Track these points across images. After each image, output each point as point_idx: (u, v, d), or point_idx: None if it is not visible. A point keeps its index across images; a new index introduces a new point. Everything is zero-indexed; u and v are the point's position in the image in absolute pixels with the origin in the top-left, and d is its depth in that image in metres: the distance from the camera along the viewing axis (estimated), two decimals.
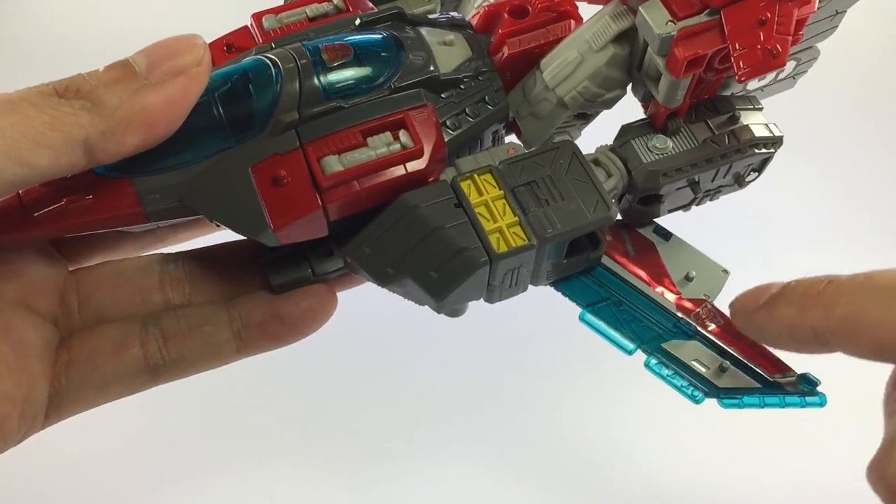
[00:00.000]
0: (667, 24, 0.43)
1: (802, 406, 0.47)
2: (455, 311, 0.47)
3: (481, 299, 0.47)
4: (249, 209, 0.44)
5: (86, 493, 0.77)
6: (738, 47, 0.41)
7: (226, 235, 0.50)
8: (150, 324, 0.47)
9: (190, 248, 0.51)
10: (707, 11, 0.43)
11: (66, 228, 0.44)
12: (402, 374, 0.85)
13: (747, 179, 0.51)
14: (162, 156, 0.43)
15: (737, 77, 0.41)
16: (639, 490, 0.77)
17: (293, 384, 0.84)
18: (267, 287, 0.48)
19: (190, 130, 0.43)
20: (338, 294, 0.49)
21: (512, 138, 0.51)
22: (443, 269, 0.43)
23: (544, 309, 0.50)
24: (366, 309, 0.50)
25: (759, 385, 0.47)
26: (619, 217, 0.49)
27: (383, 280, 0.45)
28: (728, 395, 0.47)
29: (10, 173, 0.37)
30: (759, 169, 0.51)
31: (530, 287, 0.48)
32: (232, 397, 0.82)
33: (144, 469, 0.79)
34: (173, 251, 0.50)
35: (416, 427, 0.82)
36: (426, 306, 0.46)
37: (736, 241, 0.65)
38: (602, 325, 0.48)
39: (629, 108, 0.50)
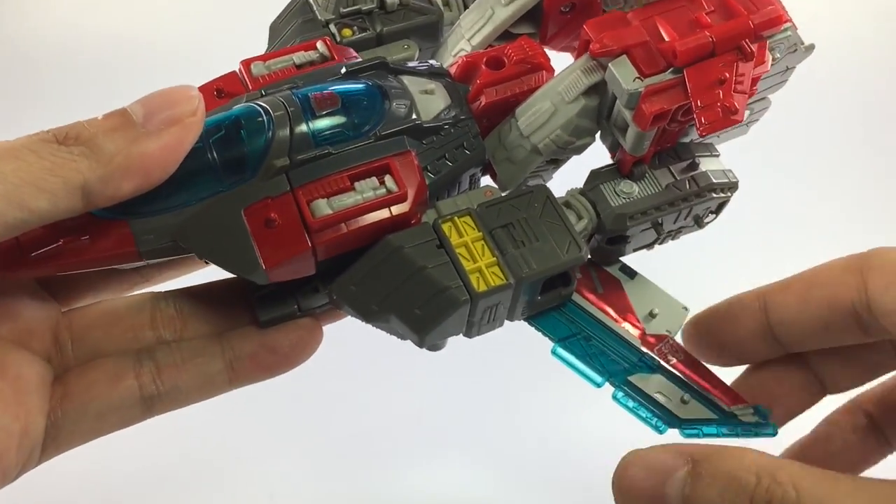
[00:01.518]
0: (634, 80, 0.46)
1: (755, 436, 0.50)
2: (435, 346, 0.50)
3: (460, 334, 0.50)
4: (242, 250, 0.46)
5: (85, 491, 0.78)
6: (699, 104, 0.45)
7: (211, 273, 0.52)
8: (145, 357, 0.49)
9: (179, 287, 0.52)
10: (671, 70, 0.46)
11: (61, 267, 0.46)
12: (402, 375, 0.86)
13: (706, 220, 0.54)
14: (157, 198, 0.45)
15: (698, 132, 0.45)
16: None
17: (293, 386, 0.83)
18: (255, 323, 0.51)
19: (185, 174, 0.45)
20: None
21: (487, 180, 0.54)
22: (426, 306, 0.46)
23: None
24: None
25: (716, 416, 0.50)
26: (588, 256, 0.52)
27: (368, 316, 0.47)
28: (689, 426, 0.50)
29: (11, 217, 0.39)
30: (717, 211, 0.54)
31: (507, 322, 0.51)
32: (232, 398, 0.81)
33: (144, 469, 0.80)
34: (163, 289, 0.52)
35: (417, 428, 0.84)
36: (408, 340, 0.48)
37: (693, 274, 0.68)
38: (572, 358, 0.51)
39: (595, 153, 0.54)
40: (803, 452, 0.56)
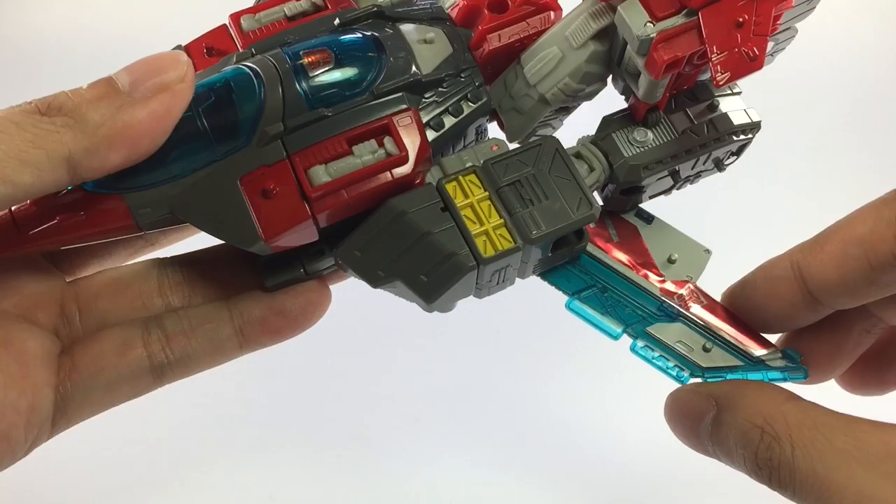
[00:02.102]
0: (646, 25, 0.43)
1: (784, 380, 0.49)
2: (444, 308, 0.49)
3: (470, 296, 0.48)
4: (240, 222, 0.45)
5: (85, 493, 0.78)
6: (715, 51, 0.42)
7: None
8: (153, 325, 0.48)
9: (185, 252, 0.51)
10: (685, 12, 0.43)
11: (61, 243, 0.45)
12: (400, 375, 0.86)
13: (726, 163, 0.52)
14: (150, 170, 0.44)
15: (714, 82, 0.42)
16: (629, 475, 0.80)
17: (292, 385, 0.84)
18: (263, 286, 0.50)
19: (176, 145, 0.44)
20: (335, 295, 0.50)
21: (494, 128, 0.52)
22: (432, 273, 0.45)
23: (535, 299, 0.51)
24: (363, 310, 0.51)
25: (741, 363, 0.49)
26: (601, 205, 0.50)
27: (374, 281, 0.46)
28: (712, 374, 0.49)
29: None
30: (738, 153, 0.51)
31: (518, 279, 0.50)
32: (232, 398, 0.83)
33: (144, 470, 0.80)
34: (169, 255, 0.51)
35: (416, 427, 0.83)
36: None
37: (718, 221, 0.66)
38: (588, 311, 0.49)
39: (608, 96, 0.51)
40: None
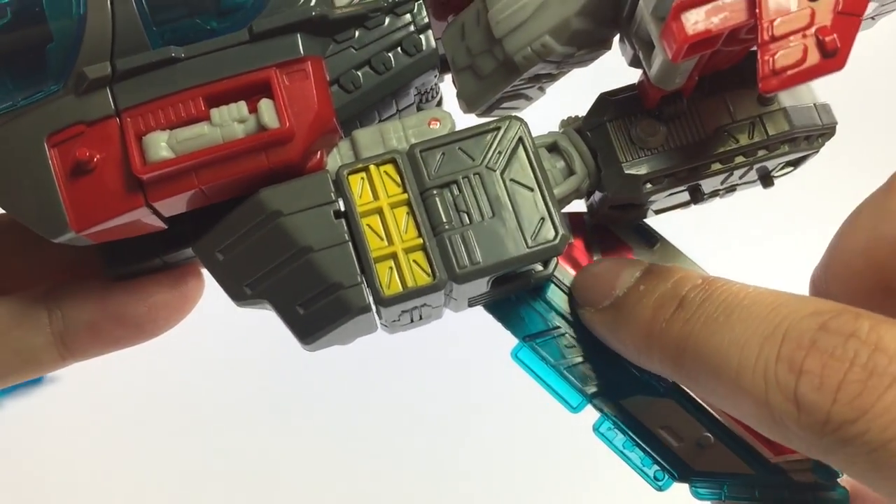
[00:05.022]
0: None
1: None
2: (338, 343, 0.35)
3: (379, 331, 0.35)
4: (44, 200, 0.31)
5: (83, 497, 0.75)
6: (771, 35, 0.26)
7: None
8: None
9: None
10: None
11: None
12: (400, 382, 0.79)
13: (777, 175, 0.36)
14: None
15: (760, 86, 0.26)
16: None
17: (292, 392, 0.79)
18: (100, 273, 0.36)
19: None
20: None
21: (448, 89, 0.36)
22: (311, 306, 0.31)
23: None
24: None
25: (752, 470, 0.35)
26: (569, 242, 0.34)
27: (239, 298, 0.32)
28: (704, 483, 0.35)
29: None
30: (796, 164, 0.35)
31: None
32: (230, 403, 0.78)
33: (143, 475, 0.76)
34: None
35: (415, 435, 0.77)
36: None
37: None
38: (540, 367, 0.35)
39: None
40: None
